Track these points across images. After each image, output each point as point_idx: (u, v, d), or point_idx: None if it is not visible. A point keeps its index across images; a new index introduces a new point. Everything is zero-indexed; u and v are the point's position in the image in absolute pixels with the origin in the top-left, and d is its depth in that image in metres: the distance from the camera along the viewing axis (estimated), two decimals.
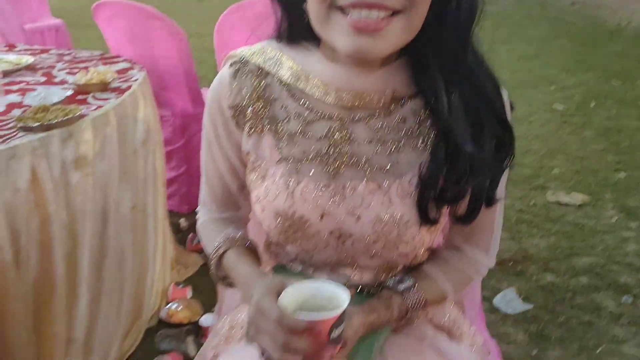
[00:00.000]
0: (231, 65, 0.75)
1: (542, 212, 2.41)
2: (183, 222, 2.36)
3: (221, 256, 0.81)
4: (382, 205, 0.70)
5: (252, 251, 0.83)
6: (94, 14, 2.33)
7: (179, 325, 1.79)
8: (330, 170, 0.72)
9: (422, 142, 0.71)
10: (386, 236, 0.71)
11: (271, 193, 0.73)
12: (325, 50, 0.70)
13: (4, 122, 1.37)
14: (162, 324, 1.84)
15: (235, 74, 0.74)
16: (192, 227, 2.29)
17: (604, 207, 2.44)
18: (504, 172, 0.74)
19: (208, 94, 0.78)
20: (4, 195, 1.23)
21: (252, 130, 0.74)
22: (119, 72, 1.77)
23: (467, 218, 0.73)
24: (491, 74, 0.70)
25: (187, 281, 2.04)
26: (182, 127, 2.27)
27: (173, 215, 2.21)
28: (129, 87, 1.62)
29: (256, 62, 0.74)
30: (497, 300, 1.98)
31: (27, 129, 1.31)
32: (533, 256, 2.25)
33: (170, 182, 2.20)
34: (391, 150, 0.71)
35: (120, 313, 1.62)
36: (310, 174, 0.72)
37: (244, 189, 0.83)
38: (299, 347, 0.58)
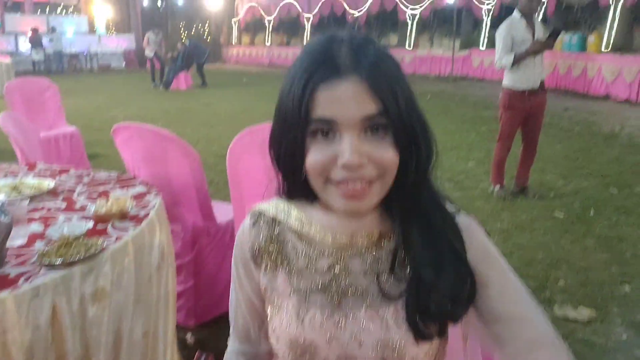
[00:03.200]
0: (251, 217, 0.90)
1: None
2: (189, 337, 2.37)
3: None
4: (381, 330, 0.80)
5: None
6: (113, 135, 2.43)
7: None
8: (334, 300, 0.82)
9: (405, 271, 0.81)
10: (387, 358, 0.80)
11: (284, 322, 0.84)
12: (322, 203, 0.82)
13: (27, 257, 1.43)
14: None
15: (254, 224, 0.89)
16: (198, 342, 2.34)
17: (612, 323, 2.41)
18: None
19: (235, 241, 0.92)
20: (25, 335, 1.28)
21: (268, 268, 0.87)
22: (137, 197, 1.85)
23: (438, 334, 0.82)
24: (447, 215, 0.81)
25: None
26: (192, 241, 2.33)
27: (179, 329, 2.20)
28: (147, 215, 1.69)
29: (270, 214, 0.88)
30: None
31: (51, 266, 1.37)
32: None
33: (177, 295, 2.21)
34: (384, 280, 0.81)
35: None
36: (317, 304, 0.82)
37: (263, 325, 0.94)
38: None
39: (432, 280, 0.77)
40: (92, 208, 1.72)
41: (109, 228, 1.61)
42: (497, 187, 4.29)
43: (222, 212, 2.51)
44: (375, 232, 0.82)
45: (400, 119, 0.73)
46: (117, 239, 1.53)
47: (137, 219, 1.66)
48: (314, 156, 0.73)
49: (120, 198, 1.75)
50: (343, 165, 0.71)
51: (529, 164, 4.29)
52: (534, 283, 2.81)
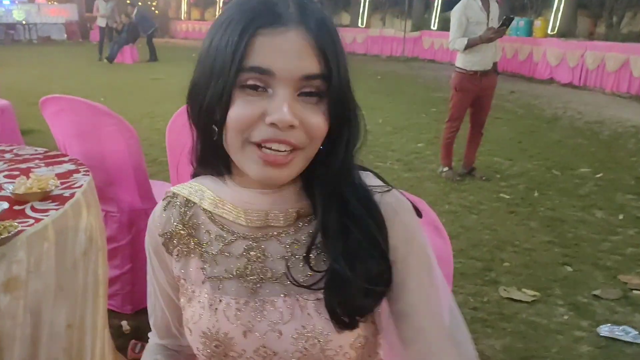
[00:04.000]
0: (164, 199, 0.83)
1: (495, 310, 2.41)
2: (125, 325, 2.18)
3: None
4: (302, 319, 0.72)
5: None
6: (41, 108, 2.21)
7: None
8: (250, 286, 0.75)
9: (322, 258, 0.74)
10: (309, 351, 0.73)
11: (197, 313, 0.77)
12: (235, 177, 0.76)
13: None
14: None
15: (165, 207, 0.81)
16: (135, 330, 2.16)
17: (554, 304, 2.46)
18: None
19: (147, 227, 0.85)
20: None
21: (180, 254, 0.80)
22: (63, 175, 1.69)
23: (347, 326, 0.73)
24: (369, 200, 0.73)
25: None
26: (129, 224, 2.19)
27: (114, 316, 2.10)
28: (72, 195, 1.54)
29: (184, 195, 0.81)
30: None
31: None
32: (490, 359, 2.24)
33: (112, 280, 2.08)
34: (303, 264, 0.73)
35: None
36: (232, 291, 0.75)
37: (181, 317, 0.85)
38: None
39: (345, 272, 0.70)
40: (10, 187, 1.56)
41: (28, 209, 1.46)
42: (446, 168, 4.32)
43: (163, 192, 2.36)
44: (292, 212, 0.74)
45: (339, 87, 0.66)
46: (35, 221, 1.39)
47: (60, 200, 1.51)
48: (240, 109, 0.64)
49: (43, 176, 1.59)
50: (274, 122, 0.63)
51: (476, 145, 4.33)
52: (480, 264, 2.83)
